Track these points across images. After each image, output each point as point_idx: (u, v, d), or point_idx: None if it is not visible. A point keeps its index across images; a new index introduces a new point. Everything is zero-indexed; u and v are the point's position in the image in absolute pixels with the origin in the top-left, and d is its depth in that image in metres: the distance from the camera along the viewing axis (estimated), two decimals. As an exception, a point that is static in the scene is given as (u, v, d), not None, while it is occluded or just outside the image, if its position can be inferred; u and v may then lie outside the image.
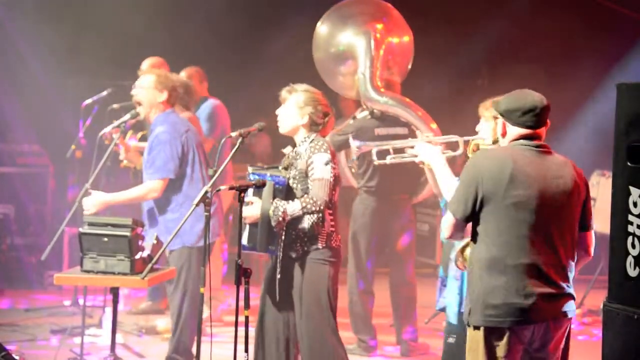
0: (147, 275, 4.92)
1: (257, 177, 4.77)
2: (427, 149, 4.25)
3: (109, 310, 6.46)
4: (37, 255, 8.83)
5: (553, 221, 3.67)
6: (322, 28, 7.01)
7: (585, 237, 3.82)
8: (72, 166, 8.31)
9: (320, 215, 4.73)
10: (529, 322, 3.65)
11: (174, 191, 5.65)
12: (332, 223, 4.85)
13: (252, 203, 4.76)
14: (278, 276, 4.76)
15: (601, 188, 8.33)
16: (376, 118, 6.69)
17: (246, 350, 4.42)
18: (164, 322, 7.18)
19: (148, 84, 5.75)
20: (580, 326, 7.84)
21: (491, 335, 3.66)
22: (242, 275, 4.38)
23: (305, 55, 7.04)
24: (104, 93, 7.80)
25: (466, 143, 4.53)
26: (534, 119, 3.74)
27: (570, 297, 3.74)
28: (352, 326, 6.71)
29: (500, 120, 3.82)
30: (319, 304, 4.78)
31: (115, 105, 7.58)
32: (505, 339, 3.66)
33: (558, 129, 9.68)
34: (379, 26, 6.88)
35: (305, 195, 4.73)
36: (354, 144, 4.54)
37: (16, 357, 5.06)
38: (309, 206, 4.69)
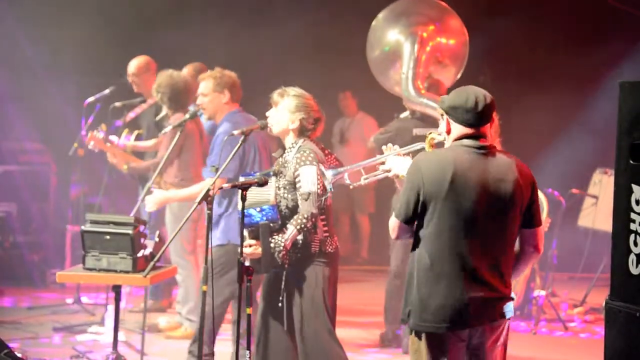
0: (149, 273, 4.92)
1: (247, 220, 4.73)
2: (399, 161, 4.22)
3: (111, 308, 6.47)
4: (39, 253, 8.84)
5: (491, 226, 3.67)
6: (375, 27, 7.07)
7: (533, 234, 3.82)
8: (75, 164, 8.32)
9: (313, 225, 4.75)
10: (465, 326, 3.68)
11: (231, 190, 5.64)
12: (325, 229, 4.83)
13: (250, 246, 4.75)
14: (284, 294, 4.78)
15: (603, 186, 8.33)
16: (417, 118, 6.71)
17: (248, 348, 4.41)
18: (165, 320, 7.19)
19: (207, 89, 5.86)
20: (583, 324, 7.84)
21: (430, 339, 3.69)
22: (244, 273, 4.37)
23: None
24: (107, 91, 7.81)
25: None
26: (476, 117, 3.71)
27: (508, 299, 3.76)
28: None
29: (445, 117, 3.80)
30: (314, 306, 4.78)
31: (117, 103, 7.60)
32: (444, 341, 3.68)
33: (562, 125, 9.75)
34: (429, 27, 6.92)
35: (296, 216, 4.73)
36: (328, 174, 4.52)
37: (19, 355, 5.06)
38: (302, 225, 4.70)
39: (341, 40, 9.68)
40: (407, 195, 3.71)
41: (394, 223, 3.78)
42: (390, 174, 4.23)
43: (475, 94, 3.72)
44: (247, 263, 4.73)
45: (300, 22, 10.03)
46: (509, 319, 3.79)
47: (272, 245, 4.69)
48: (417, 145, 4.33)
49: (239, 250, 4.46)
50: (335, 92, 10.63)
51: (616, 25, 9.89)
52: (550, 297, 8.01)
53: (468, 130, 3.73)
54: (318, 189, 4.74)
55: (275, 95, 4.94)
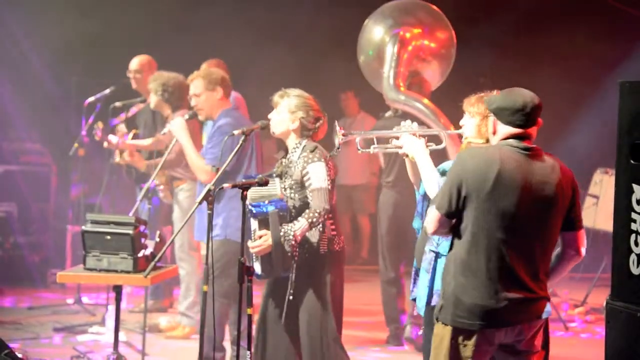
0: (150, 274, 4.92)
1: (257, 209, 4.75)
2: (412, 141, 4.22)
3: (111, 308, 6.47)
4: (40, 254, 8.84)
5: (532, 228, 3.67)
6: (364, 29, 7.10)
7: (574, 237, 3.82)
8: (75, 164, 8.33)
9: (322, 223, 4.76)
10: (498, 325, 3.67)
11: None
12: (333, 227, 4.85)
13: (260, 237, 4.75)
14: (290, 297, 4.77)
15: (604, 186, 8.33)
16: (399, 117, 6.74)
17: (249, 349, 4.41)
18: (165, 320, 7.19)
19: (199, 89, 5.87)
20: (583, 324, 7.84)
21: (458, 335, 3.68)
22: (244, 273, 4.37)
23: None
24: (107, 91, 7.82)
25: (451, 137, 4.57)
26: (523, 118, 3.72)
27: (544, 300, 3.76)
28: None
29: (492, 118, 3.81)
30: (320, 310, 4.78)
31: (117, 103, 7.60)
32: (473, 340, 3.66)
33: (562, 126, 9.75)
34: (415, 29, 6.96)
35: (308, 210, 4.74)
36: (340, 132, 4.53)
37: (19, 355, 5.06)
38: (314, 219, 4.70)
39: (343, 39, 9.68)
40: (450, 188, 3.70)
41: (434, 215, 3.74)
42: (400, 151, 4.25)
43: (524, 96, 3.75)
44: (257, 269, 4.73)
45: (301, 21, 10.02)
46: (545, 319, 3.80)
47: (281, 234, 4.69)
48: (434, 131, 4.36)
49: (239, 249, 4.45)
50: (336, 92, 10.62)
51: (617, 24, 9.89)
52: (550, 297, 8.01)
53: (515, 131, 3.74)
54: (328, 184, 4.75)
55: (275, 97, 4.96)
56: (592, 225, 8.36)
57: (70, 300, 7.83)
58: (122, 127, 7.14)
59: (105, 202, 8.26)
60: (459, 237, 3.72)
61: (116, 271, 4.96)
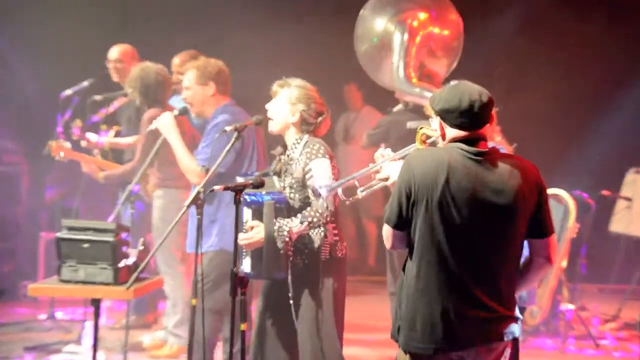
0: (132, 285, 4.90)
1: (252, 198, 4.75)
2: (396, 167, 4.19)
3: (89, 324, 6.44)
4: (9, 262, 8.83)
5: (486, 241, 3.63)
6: (362, 19, 7.12)
7: (544, 244, 3.75)
8: (50, 164, 8.30)
9: (323, 226, 4.75)
10: (452, 348, 3.64)
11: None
12: (335, 232, 4.84)
13: (252, 228, 4.75)
14: (291, 302, 4.76)
15: (638, 187, 8.32)
16: (410, 111, 6.74)
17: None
18: (149, 338, 7.17)
19: (190, 82, 5.86)
20: (616, 341, 7.82)
21: (417, 359, 3.67)
22: (237, 285, 4.35)
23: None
24: (85, 83, 7.80)
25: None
26: (472, 119, 3.65)
27: (508, 319, 3.69)
28: None
29: (437, 120, 3.75)
30: (323, 323, 4.78)
31: (97, 97, 7.59)
32: None
33: (590, 120, 9.73)
34: (421, 14, 6.96)
35: (309, 208, 4.73)
36: (321, 191, 4.48)
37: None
38: (315, 220, 4.69)
39: (345, 26, 9.66)
40: (398, 197, 3.67)
41: (386, 230, 3.74)
42: (388, 183, 4.19)
43: (470, 93, 3.66)
44: (246, 267, 4.72)
45: (300, 7, 10.01)
46: (510, 341, 3.72)
47: (275, 227, 4.67)
48: (412, 147, 4.29)
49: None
50: (339, 84, 10.61)
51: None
52: (579, 311, 7.99)
53: (464, 134, 3.68)
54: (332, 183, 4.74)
55: (274, 86, 4.94)
56: (625, 230, 8.35)
57: (43, 316, 7.82)
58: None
59: (83, 206, 8.24)
60: (410, 251, 3.69)
61: (94, 283, 4.94)
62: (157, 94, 6.83)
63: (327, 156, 4.80)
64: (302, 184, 4.81)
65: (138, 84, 6.79)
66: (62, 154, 6.99)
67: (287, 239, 4.68)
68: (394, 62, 6.85)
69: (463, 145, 3.65)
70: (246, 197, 4.75)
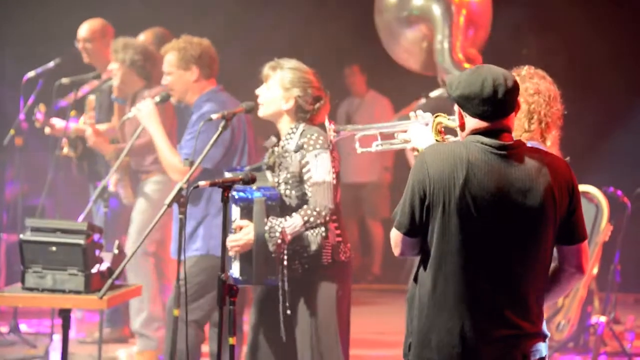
0: (106, 294, 4.91)
1: (241, 194, 4.77)
2: (423, 133, 4.18)
3: (57, 338, 6.45)
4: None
5: (514, 247, 3.61)
6: None
7: (575, 251, 3.73)
8: (11, 157, 8.32)
9: (324, 226, 4.76)
10: None
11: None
12: (338, 232, 4.86)
13: (240, 228, 4.76)
14: (288, 312, 4.78)
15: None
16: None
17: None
18: (125, 353, 7.19)
19: (170, 66, 5.89)
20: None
21: None
22: (226, 294, 4.36)
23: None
24: (51, 64, 7.81)
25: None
26: (495, 107, 3.60)
27: (534, 337, 3.68)
28: None
29: (456, 108, 3.70)
30: (326, 336, 4.79)
31: (64, 80, 7.57)
32: None
33: (624, 109, 9.74)
34: None
35: (306, 206, 4.75)
36: (330, 127, 4.49)
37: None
38: (312, 219, 4.71)
39: (346, 2, 9.70)
40: (411, 198, 3.63)
41: (395, 236, 3.71)
42: (408, 146, 4.20)
43: (494, 77, 3.60)
44: (235, 271, 4.74)
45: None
46: None
47: (266, 228, 4.69)
48: (452, 122, 4.22)
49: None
50: (340, 66, 10.62)
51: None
52: (612, 325, 8.00)
53: (485, 125, 3.64)
54: (333, 178, 4.75)
55: (266, 69, 4.95)
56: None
57: (4, 329, 7.82)
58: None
59: (50, 204, 8.25)
60: (424, 260, 3.66)
61: (63, 291, 4.94)
62: (148, 71, 6.89)
63: (326, 147, 4.81)
64: (299, 179, 4.82)
65: (141, 57, 6.87)
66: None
67: (279, 241, 4.69)
68: (437, 42, 6.85)
69: (484, 139, 3.61)
70: (234, 193, 4.76)
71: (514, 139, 3.71)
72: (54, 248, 4.96)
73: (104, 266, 5.05)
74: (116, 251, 5.18)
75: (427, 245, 3.64)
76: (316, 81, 4.97)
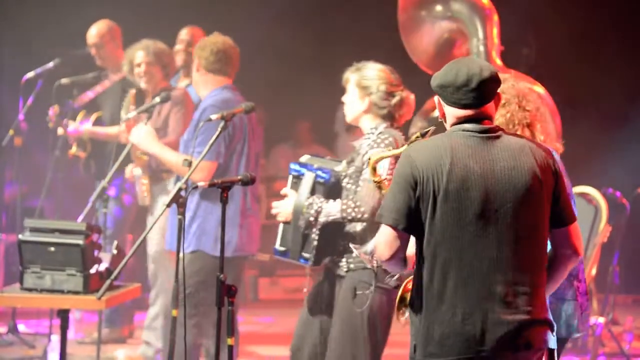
0: (105, 295, 4.91)
1: (297, 172, 4.86)
2: None
3: (56, 338, 6.45)
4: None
5: (506, 228, 3.61)
6: None
7: (567, 233, 3.76)
8: (10, 157, 8.31)
9: (366, 225, 4.74)
10: (478, 357, 3.61)
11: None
12: None
13: (286, 196, 4.85)
14: (306, 297, 4.86)
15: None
16: None
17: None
18: (124, 353, 7.19)
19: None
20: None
21: None
22: (224, 294, 4.36)
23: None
24: (50, 64, 7.80)
25: None
26: (471, 96, 3.67)
27: (540, 324, 3.67)
28: None
29: (436, 98, 3.77)
30: (356, 340, 4.77)
31: (64, 80, 7.59)
32: None
33: (624, 110, 9.73)
34: None
35: (349, 198, 4.75)
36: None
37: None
38: (349, 210, 4.71)
39: (350, 5, 9.70)
40: (402, 193, 3.64)
41: (387, 235, 3.68)
42: None
43: (468, 66, 3.68)
44: (277, 242, 4.84)
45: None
46: (540, 350, 3.70)
47: (306, 203, 4.74)
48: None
49: (217, 264, 4.45)
50: (340, 66, 10.59)
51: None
52: (611, 326, 8.01)
53: (464, 113, 3.70)
54: (387, 180, 4.75)
55: (346, 73, 5.02)
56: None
57: (2, 329, 7.82)
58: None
59: (49, 205, 8.26)
60: (419, 254, 3.66)
61: (62, 292, 4.95)
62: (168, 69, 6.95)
63: (390, 148, 4.76)
64: (360, 175, 4.83)
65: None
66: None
67: (311, 219, 4.73)
68: (472, 48, 6.89)
69: (466, 125, 3.68)
70: (292, 166, 4.92)
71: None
72: (52, 248, 4.97)
73: (102, 267, 5.06)
74: (114, 252, 5.19)
75: (420, 239, 3.65)
76: (390, 77, 4.97)
